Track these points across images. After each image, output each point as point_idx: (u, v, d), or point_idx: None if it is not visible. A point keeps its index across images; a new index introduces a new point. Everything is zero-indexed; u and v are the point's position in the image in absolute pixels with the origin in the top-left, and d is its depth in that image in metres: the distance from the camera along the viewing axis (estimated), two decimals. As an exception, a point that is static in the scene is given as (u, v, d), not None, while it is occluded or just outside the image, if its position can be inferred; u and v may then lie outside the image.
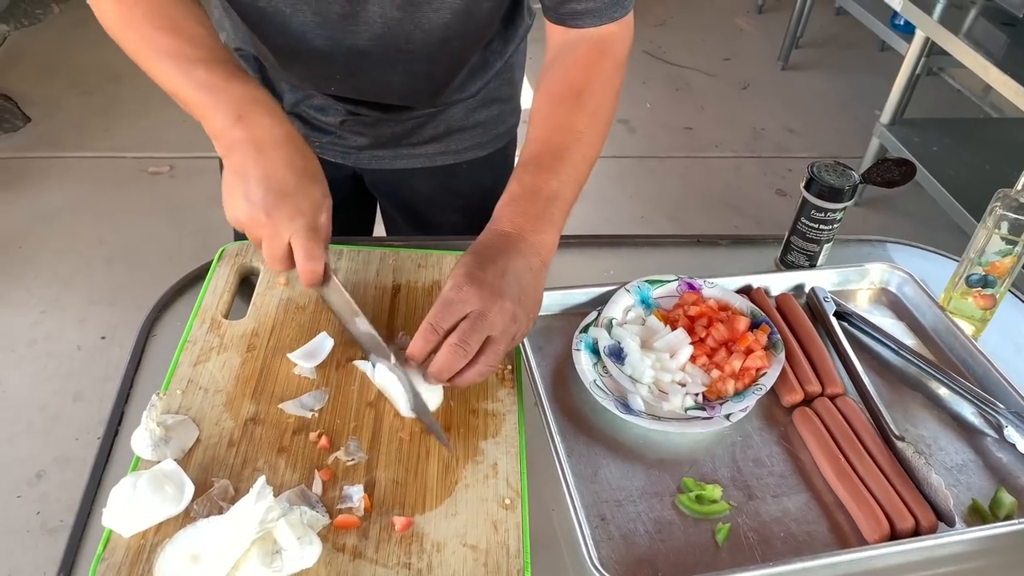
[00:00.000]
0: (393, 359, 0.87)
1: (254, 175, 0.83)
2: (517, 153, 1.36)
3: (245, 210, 0.84)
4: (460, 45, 1.09)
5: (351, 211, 1.39)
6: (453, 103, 1.20)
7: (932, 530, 0.84)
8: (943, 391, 1.02)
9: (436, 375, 0.82)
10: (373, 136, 1.21)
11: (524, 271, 0.86)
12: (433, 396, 0.88)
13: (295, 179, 0.84)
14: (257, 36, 1.07)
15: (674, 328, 1.02)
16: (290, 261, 0.86)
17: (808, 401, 0.98)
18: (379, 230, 1.48)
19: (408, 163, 1.26)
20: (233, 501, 0.77)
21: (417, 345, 0.82)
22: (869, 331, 1.08)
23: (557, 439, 0.88)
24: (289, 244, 0.85)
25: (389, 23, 0.99)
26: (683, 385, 0.97)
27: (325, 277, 0.88)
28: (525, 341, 0.97)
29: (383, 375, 0.89)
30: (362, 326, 0.91)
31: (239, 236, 1.27)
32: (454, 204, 1.33)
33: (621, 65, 1.03)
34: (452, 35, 1.03)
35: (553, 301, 1.07)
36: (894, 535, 0.84)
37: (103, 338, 2.36)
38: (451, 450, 0.85)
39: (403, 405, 0.88)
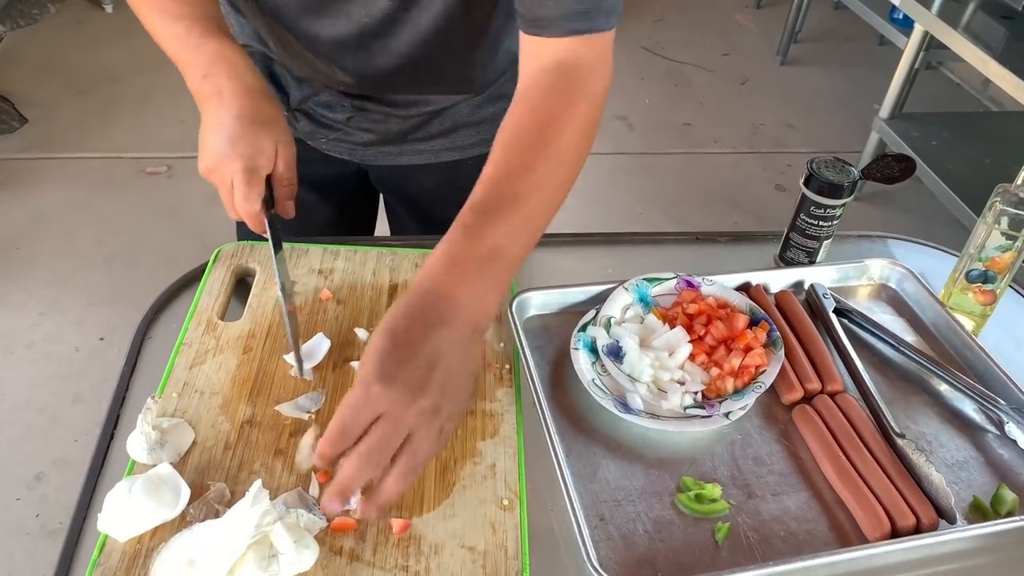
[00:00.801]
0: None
1: (213, 125, 0.88)
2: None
3: (203, 161, 0.89)
4: (462, 43, 1.09)
5: (355, 207, 1.39)
6: (461, 99, 1.20)
7: (933, 528, 0.84)
8: (944, 387, 1.02)
9: (340, 490, 0.68)
10: (380, 132, 1.21)
11: (449, 347, 0.73)
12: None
13: (240, 127, 0.88)
14: (265, 27, 1.08)
15: (673, 326, 1.01)
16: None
17: (808, 399, 0.97)
18: (382, 227, 1.48)
19: (413, 159, 1.25)
20: (230, 504, 0.76)
21: (323, 450, 0.68)
22: (869, 328, 1.08)
23: (555, 439, 0.88)
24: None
25: (394, 22, 1.00)
26: (682, 383, 0.96)
27: (266, 224, 0.92)
28: (523, 340, 0.97)
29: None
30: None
31: (242, 235, 1.27)
32: (459, 200, 1.31)
33: (596, 105, 0.90)
34: (454, 35, 1.03)
35: (551, 300, 1.06)
36: (895, 533, 0.83)
37: (102, 339, 2.36)
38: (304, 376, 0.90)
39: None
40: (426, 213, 1.35)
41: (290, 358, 0.92)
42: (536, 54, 0.91)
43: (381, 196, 1.42)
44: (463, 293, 0.75)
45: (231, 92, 0.89)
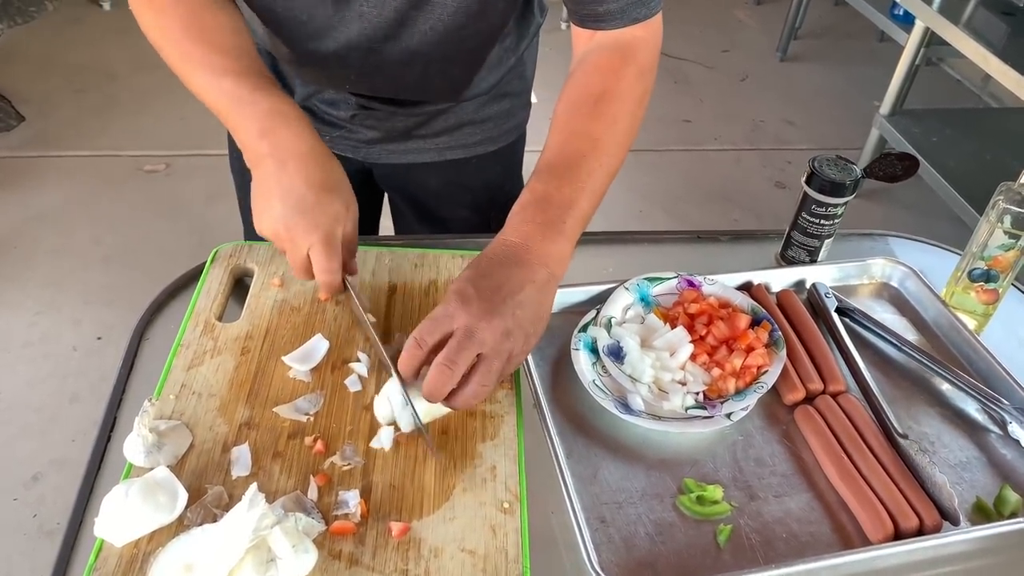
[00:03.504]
0: (395, 374, 0.84)
1: (276, 191, 0.85)
2: (526, 151, 1.37)
3: (268, 224, 0.87)
4: (475, 44, 1.09)
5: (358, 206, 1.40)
6: (466, 98, 1.20)
7: (936, 529, 0.83)
8: (946, 387, 1.01)
9: (427, 397, 0.79)
10: (384, 130, 1.21)
11: (524, 284, 0.82)
12: (429, 408, 0.85)
13: (313, 194, 0.86)
14: (275, 35, 1.07)
15: (674, 326, 1.01)
16: (312, 272, 0.88)
17: (810, 399, 0.96)
18: (385, 225, 1.47)
19: (418, 157, 1.25)
20: (227, 508, 0.75)
21: (403, 361, 0.80)
22: (871, 327, 1.07)
23: (556, 440, 0.87)
24: (309, 256, 0.87)
25: (404, 24, 0.99)
26: (683, 384, 0.96)
27: (345, 286, 0.90)
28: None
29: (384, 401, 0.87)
30: (375, 348, 0.91)
31: (250, 236, 1.27)
32: (463, 199, 1.33)
33: (646, 71, 0.98)
34: (467, 35, 1.03)
35: (551, 300, 1.05)
36: (898, 535, 0.82)
37: (99, 339, 2.35)
38: (437, 457, 0.84)
39: (405, 422, 0.85)
40: (431, 212, 1.35)
41: (291, 359, 0.91)
42: (591, 35, 0.98)
43: (385, 194, 1.41)
44: (540, 244, 0.84)
45: (294, 154, 0.86)
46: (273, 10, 1.00)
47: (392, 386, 0.85)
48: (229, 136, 1.30)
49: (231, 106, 0.89)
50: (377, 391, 0.88)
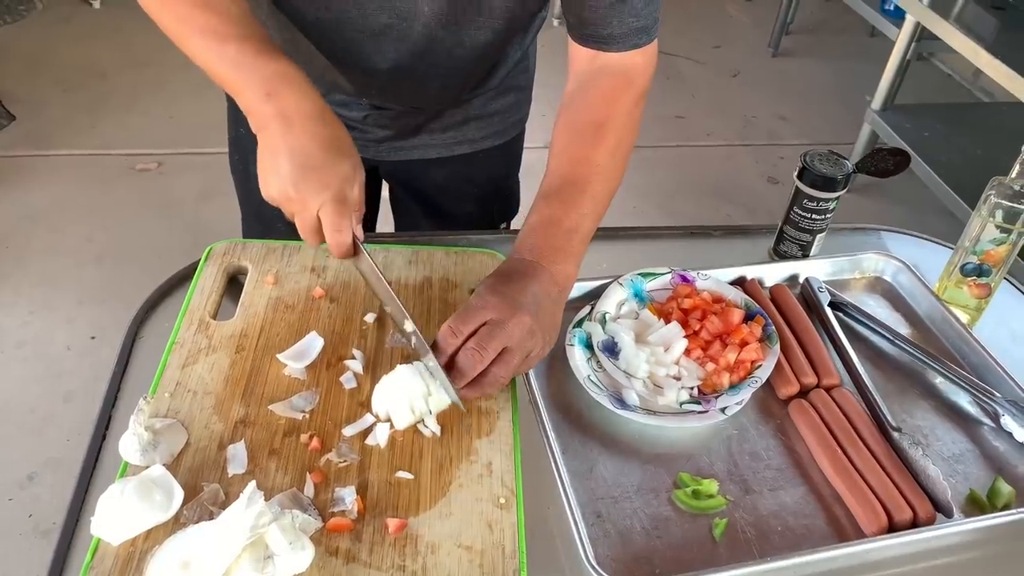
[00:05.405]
0: (413, 328, 0.87)
1: (283, 150, 0.84)
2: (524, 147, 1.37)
3: (276, 185, 0.85)
4: (495, 57, 1.12)
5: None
6: (473, 96, 1.22)
7: (930, 521, 0.84)
8: (939, 380, 1.02)
9: (455, 378, 0.84)
10: (395, 128, 1.22)
11: (543, 295, 0.88)
12: (441, 398, 0.87)
13: (321, 152, 0.85)
14: (301, 41, 1.07)
15: (668, 321, 1.01)
16: (322, 234, 0.87)
17: (804, 393, 0.97)
18: (383, 220, 1.47)
19: (426, 153, 1.26)
20: (224, 506, 0.75)
21: (443, 336, 0.85)
22: (864, 321, 1.08)
23: (552, 436, 0.87)
24: (319, 217, 0.85)
25: (433, 41, 1.00)
26: (678, 379, 0.96)
27: (356, 249, 0.88)
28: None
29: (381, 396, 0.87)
30: (391, 306, 0.92)
31: (248, 234, 1.25)
32: (469, 194, 1.34)
33: (642, 97, 1.03)
34: (491, 48, 1.05)
35: (546, 296, 1.05)
36: (892, 527, 0.83)
37: (93, 338, 2.34)
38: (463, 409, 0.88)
39: (400, 418, 0.86)
40: (437, 207, 1.36)
41: (286, 357, 0.91)
42: (589, 57, 1.00)
43: (385, 190, 1.41)
44: (549, 262, 0.91)
45: (301, 113, 0.85)
46: (303, 16, 1.01)
47: (407, 369, 0.86)
48: (229, 137, 1.30)
49: (234, 71, 0.88)
50: (372, 388, 0.88)
